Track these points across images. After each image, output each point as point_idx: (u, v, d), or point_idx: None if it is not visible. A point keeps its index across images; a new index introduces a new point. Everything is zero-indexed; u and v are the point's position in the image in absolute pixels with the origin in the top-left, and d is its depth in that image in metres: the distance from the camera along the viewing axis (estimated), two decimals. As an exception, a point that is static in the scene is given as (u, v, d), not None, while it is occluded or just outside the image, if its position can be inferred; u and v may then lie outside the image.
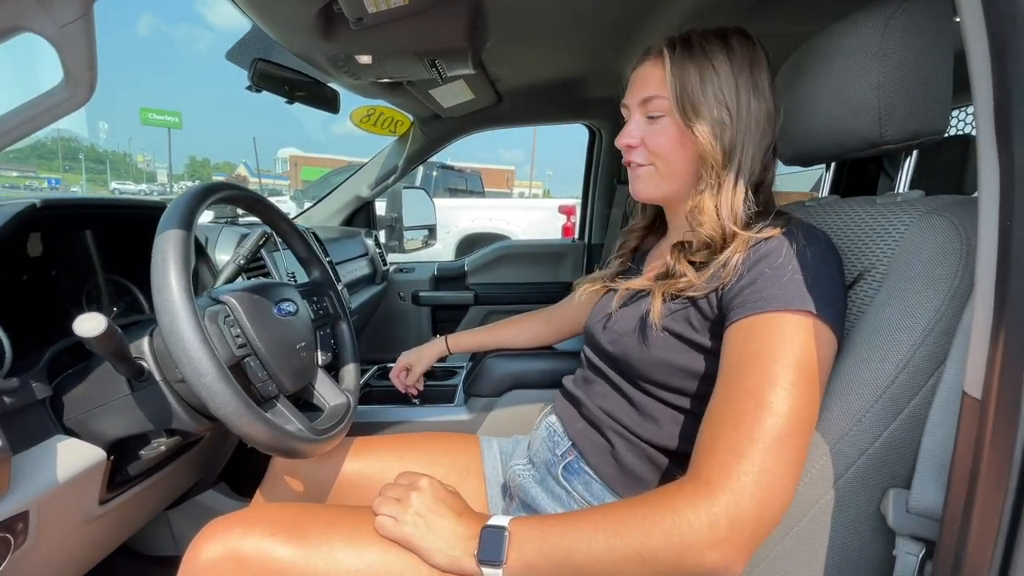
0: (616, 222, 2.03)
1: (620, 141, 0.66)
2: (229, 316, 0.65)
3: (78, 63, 0.46)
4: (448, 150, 2.07)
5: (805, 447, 0.49)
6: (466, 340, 1.10)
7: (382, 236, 2.15)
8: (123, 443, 0.68)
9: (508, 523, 0.55)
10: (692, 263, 0.61)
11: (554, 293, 2.10)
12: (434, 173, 6.49)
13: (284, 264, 1.21)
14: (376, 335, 2.11)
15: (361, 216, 2.13)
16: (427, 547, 0.55)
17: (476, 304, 2.15)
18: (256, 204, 0.80)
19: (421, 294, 2.14)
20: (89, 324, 0.53)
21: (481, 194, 7.90)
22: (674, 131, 0.62)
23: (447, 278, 2.20)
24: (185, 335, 0.54)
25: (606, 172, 2.05)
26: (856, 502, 0.49)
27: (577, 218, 2.41)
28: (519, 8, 1.10)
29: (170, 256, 0.56)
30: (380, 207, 2.22)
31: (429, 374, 1.16)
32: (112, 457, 0.68)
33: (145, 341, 0.65)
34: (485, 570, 0.53)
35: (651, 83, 0.63)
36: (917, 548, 0.46)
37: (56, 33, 0.44)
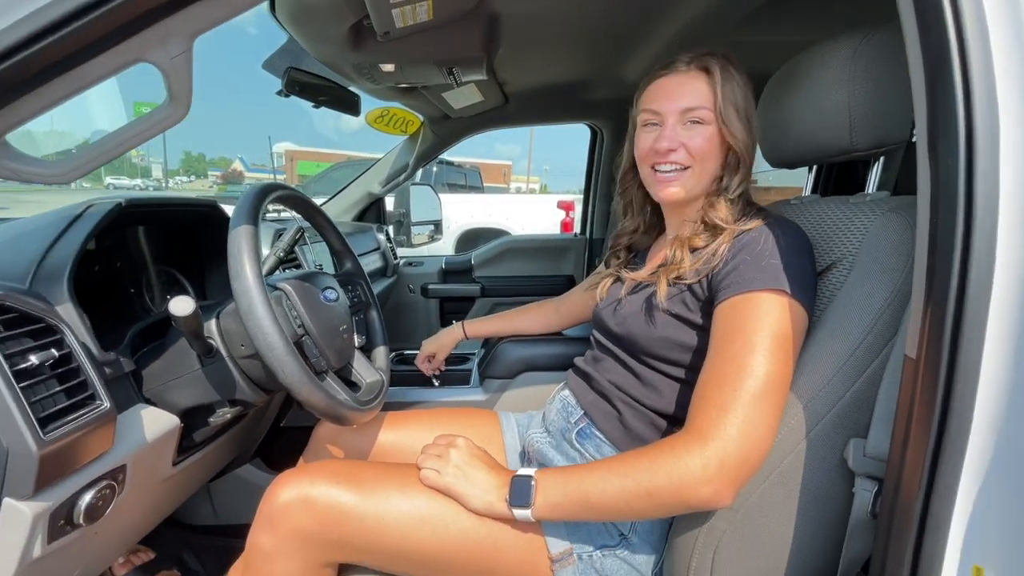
0: (617, 218, 2.12)
1: (661, 145, 0.72)
2: (288, 300, 0.75)
3: (181, 88, 0.55)
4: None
5: (781, 403, 0.59)
6: (481, 327, 1.20)
7: (391, 231, 2.24)
8: (192, 412, 0.78)
9: (534, 473, 0.65)
10: (693, 250, 0.71)
11: (557, 285, 2.20)
12: (434, 169, 6.55)
13: (312, 257, 1.30)
14: (388, 325, 2.21)
15: (371, 211, 2.22)
16: (466, 493, 0.65)
17: (482, 296, 2.25)
18: (301, 203, 0.89)
19: (430, 287, 2.23)
20: (182, 305, 0.62)
21: (480, 189, 7.97)
22: (715, 137, 0.71)
23: (454, 271, 2.30)
24: (261, 315, 0.64)
25: (607, 170, 2.14)
26: (824, 450, 0.59)
27: (578, 214, 2.50)
28: (530, 19, 1.19)
29: (244, 247, 0.66)
30: (388, 203, 2.31)
31: (446, 360, 1.26)
32: (183, 424, 0.77)
33: (213, 323, 0.75)
34: (516, 511, 0.63)
35: (693, 95, 0.71)
36: (871, 485, 0.56)
37: (167, 64, 0.53)
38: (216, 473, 1.16)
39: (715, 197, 0.72)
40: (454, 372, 1.33)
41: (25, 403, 0.52)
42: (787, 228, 0.66)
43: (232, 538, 1.15)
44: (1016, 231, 0.42)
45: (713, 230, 0.71)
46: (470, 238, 5.21)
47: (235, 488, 1.21)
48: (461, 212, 5.55)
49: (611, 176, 2.13)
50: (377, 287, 1.95)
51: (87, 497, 0.59)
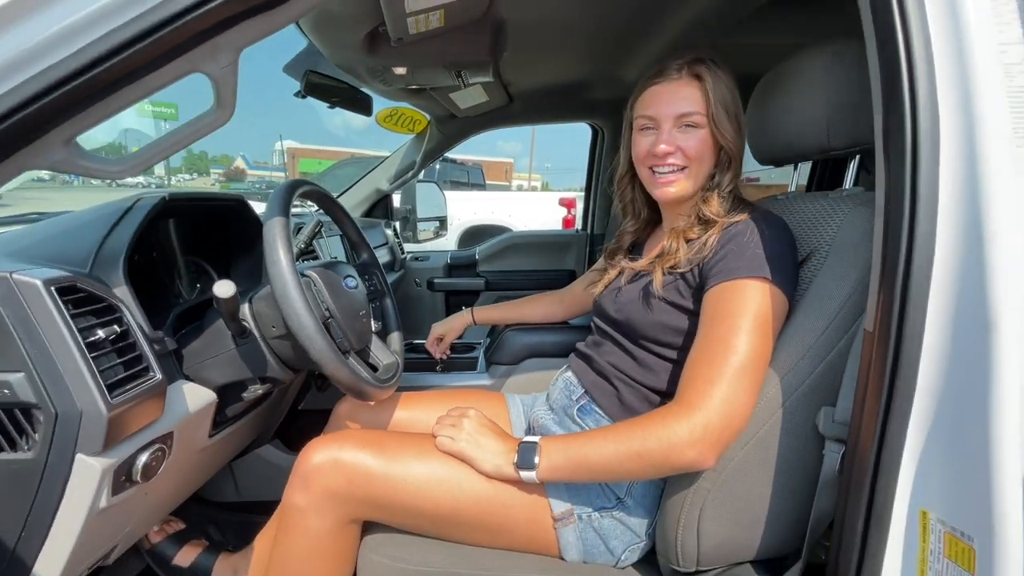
0: (617, 214, 2.19)
1: (659, 149, 0.78)
2: (315, 286, 0.82)
3: (227, 94, 0.62)
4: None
5: (760, 377, 0.66)
6: (489, 313, 1.27)
7: (398, 227, 2.32)
8: (226, 388, 0.85)
9: (539, 440, 0.72)
10: (688, 241, 0.78)
11: (559, 280, 2.27)
12: (437, 166, 6.62)
13: (328, 250, 1.37)
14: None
15: (379, 207, 2.29)
16: (477, 458, 0.72)
17: (487, 290, 2.32)
18: (323, 198, 0.97)
19: (436, 280, 2.31)
20: (224, 288, 0.70)
21: (482, 187, 8.04)
22: (709, 139, 0.78)
23: (459, 266, 2.37)
24: (294, 298, 0.71)
25: (608, 167, 2.21)
26: (798, 417, 0.66)
27: (579, 211, 2.57)
28: (535, 24, 1.26)
29: (278, 238, 0.73)
30: (395, 199, 2.38)
31: (451, 348, 1.34)
32: (218, 400, 0.85)
33: (246, 306, 0.82)
34: (522, 473, 0.70)
35: (687, 101, 0.77)
36: (838, 448, 0.63)
37: (217, 73, 0.60)
38: (239, 452, 1.24)
39: (708, 192, 0.79)
40: (462, 359, 1.40)
41: (96, 371, 0.59)
42: (771, 221, 0.73)
43: (253, 514, 1.23)
44: (953, 225, 0.49)
45: (705, 223, 0.78)
46: (472, 235, 5.27)
47: (256, 467, 1.28)
48: (463, 209, 5.61)
49: (611, 174, 2.21)
50: (385, 280, 2.03)
51: (143, 457, 0.67)
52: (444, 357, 1.29)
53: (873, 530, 0.54)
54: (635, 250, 0.98)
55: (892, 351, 0.51)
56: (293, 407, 1.32)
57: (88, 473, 0.60)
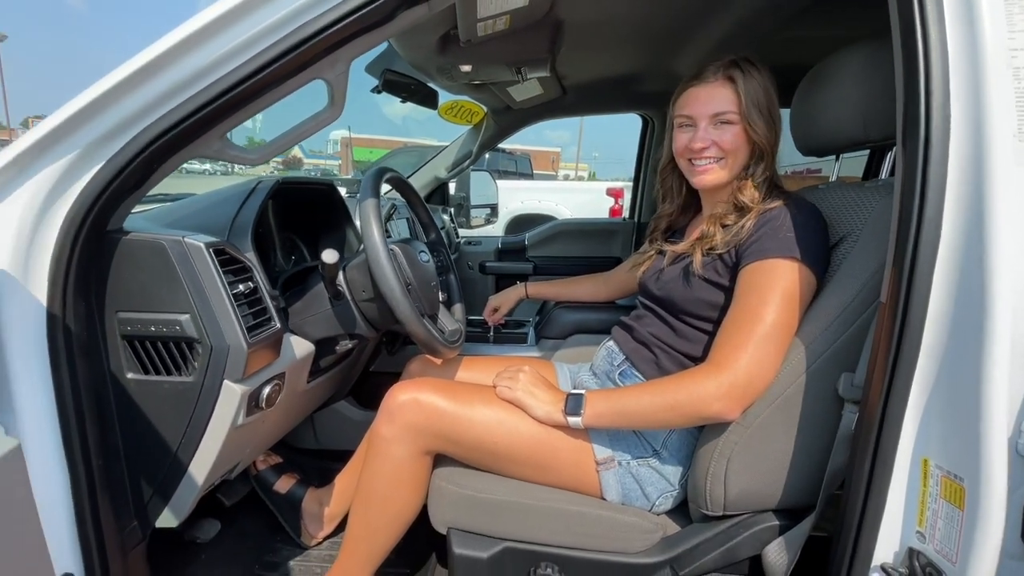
0: (656, 198, 2.25)
1: (696, 145, 0.87)
2: (398, 258, 0.97)
3: (339, 96, 0.76)
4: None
5: (784, 346, 0.75)
6: (540, 288, 1.39)
7: (452, 212, 2.47)
8: (322, 342, 1.01)
9: (585, 392, 0.84)
10: (724, 226, 0.86)
11: (605, 267, 2.33)
12: (486, 156, 6.75)
13: (397, 230, 1.53)
14: (448, 299, 2.45)
15: (436, 195, 2.45)
16: (531, 405, 0.85)
17: (535, 274, 2.43)
18: (402, 184, 1.11)
19: (487, 264, 2.45)
20: (331, 255, 0.85)
21: (530, 176, 8.12)
22: (742, 134, 0.86)
23: (510, 251, 2.50)
24: (385, 266, 0.85)
25: (655, 157, 2.27)
26: (821, 382, 0.74)
27: (627, 200, 2.63)
28: (592, 23, 1.35)
29: (372, 216, 0.88)
30: (450, 187, 2.53)
31: (503, 325, 1.47)
32: (314, 351, 1.01)
33: (340, 273, 0.98)
34: (569, 419, 0.82)
35: (721, 101, 0.86)
36: (855, 409, 0.71)
37: (333, 79, 0.74)
38: (319, 406, 1.42)
39: (743, 181, 0.87)
40: (514, 333, 1.53)
41: (240, 316, 0.75)
42: (803, 207, 0.81)
43: (329, 461, 1.42)
44: (959, 209, 0.56)
45: (740, 210, 0.86)
46: (519, 223, 5.38)
47: (332, 420, 1.47)
48: (511, 198, 5.70)
49: (655, 163, 2.26)
50: (440, 262, 2.19)
51: (267, 389, 0.84)
52: (498, 325, 1.42)
53: (877, 477, 0.62)
54: (676, 235, 1.07)
55: (900, 319, 0.59)
56: (365, 368, 1.49)
57: (231, 396, 0.77)
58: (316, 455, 1.49)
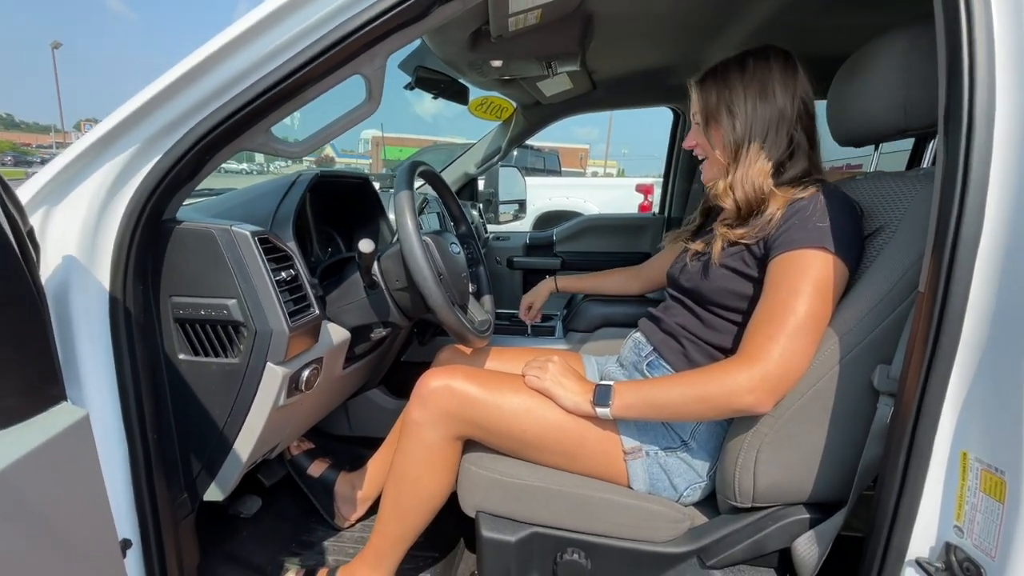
0: (696, 195, 2.22)
1: (685, 144, 0.95)
2: (430, 248, 0.99)
3: (376, 90, 0.79)
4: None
5: (817, 337, 0.74)
6: (571, 282, 1.40)
7: (482, 208, 2.49)
8: (357, 329, 1.05)
9: (613, 383, 0.84)
10: (728, 225, 0.87)
11: (633, 262, 2.33)
12: (514, 152, 6.76)
13: (427, 223, 1.57)
14: (476, 293, 2.48)
15: (465, 190, 2.48)
16: (560, 394, 0.86)
17: (563, 270, 2.44)
18: (433, 176, 1.14)
19: (515, 259, 2.46)
20: (367, 244, 0.88)
21: (558, 173, 8.10)
22: (714, 136, 0.89)
23: (538, 246, 2.51)
24: (419, 255, 0.88)
25: (688, 150, 2.24)
26: (855, 373, 0.73)
27: (657, 196, 2.60)
28: (622, 16, 1.34)
29: (406, 207, 0.91)
30: (479, 183, 2.55)
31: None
32: (350, 338, 1.05)
33: (375, 264, 1.01)
34: (598, 409, 0.83)
35: (694, 104, 0.91)
36: (891, 402, 0.70)
37: (371, 74, 0.77)
38: (353, 393, 1.47)
39: (717, 181, 0.90)
40: (543, 326, 1.55)
41: (282, 302, 0.79)
42: (833, 197, 0.79)
43: (361, 447, 1.46)
44: (1004, 197, 0.54)
45: (733, 205, 0.87)
46: (547, 220, 5.38)
47: (365, 407, 1.51)
48: (539, 195, 5.70)
49: (691, 156, 2.24)
50: (470, 257, 2.23)
51: (306, 372, 0.87)
52: (534, 322, 1.44)
53: (913, 470, 0.61)
54: (703, 231, 1.07)
55: (939, 308, 0.58)
56: (397, 358, 1.53)
57: (273, 377, 0.81)
58: (349, 441, 1.54)
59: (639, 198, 5.29)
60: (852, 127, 0.90)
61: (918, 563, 0.61)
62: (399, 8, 0.71)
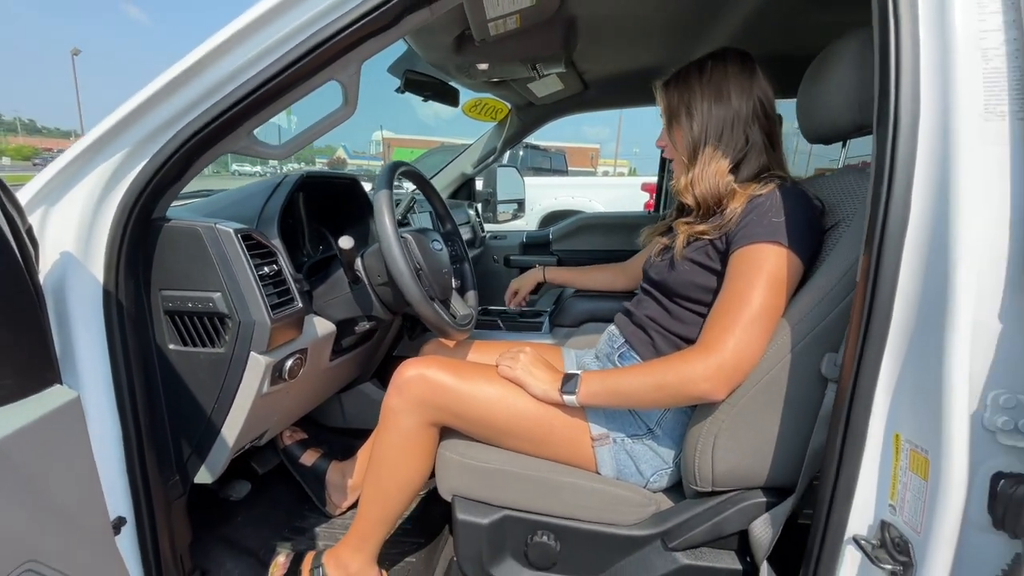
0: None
1: (656, 144, 0.98)
2: (410, 245, 1.04)
3: (352, 94, 0.83)
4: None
5: (770, 328, 0.77)
6: (558, 274, 1.44)
7: (479, 208, 2.54)
8: (343, 323, 1.10)
9: (580, 372, 0.88)
10: (688, 222, 0.91)
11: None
12: (520, 153, 6.81)
13: (418, 222, 1.61)
14: (474, 290, 2.52)
15: (463, 190, 2.53)
16: (530, 383, 0.90)
17: (559, 267, 2.48)
18: (417, 176, 1.18)
19: (511, 257, 2.50)
20: (347, 241, 0.93)
21: (564, 173, 8.12)
22: (676, 137, 0.93)
23: (534, 244, 2.54)
24: (395, 251, 0.93)
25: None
26: (805, 361, 0.76)
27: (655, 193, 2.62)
28: (603, 19, 1.38)
29: (384, 206, 0.95)
30: (478, 183, 2.60)
31: (521, 314, 1.53)
32: (336, 332, 1.10)
33: (359, 260, 1.06)
34: (565, 397, 0.87)
35: (660, 106, 0.95)
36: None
37: (346, 79, 0.82)
38: (346, 386, 1.52)
39: (678, 179, 0.94)
40: (530, 322, 1.59)
41: (264, 295, 0.84)
42: (790, 193, 0.82)
43: (354, 439, 1.51)
44: (926, 189, 0.57)
45: (693, 202, 0.92)
46: (551, 219, 5.41)
47: (358, 400, 1.57)
48: (544, 195, 5.75)
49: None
50: (466, 255, 2.27)
51: (289, 362, 0.93)
52: (522, 305, 1.47)
53: (849, 451, 0.64)
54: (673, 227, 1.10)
55: (871, 296, 0.61)
56: (388, 352, 1.58)
57: (257, 366, 0.87)
58: (343, 433, 1.60)
59: (645, 196, 5.30)
60: (816, 125, 0.93)
61: (855, 540, 0.64)
62: (369, 18, 0.75)
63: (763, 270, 0.78)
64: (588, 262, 2.49)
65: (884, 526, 0.63)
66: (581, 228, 2.53)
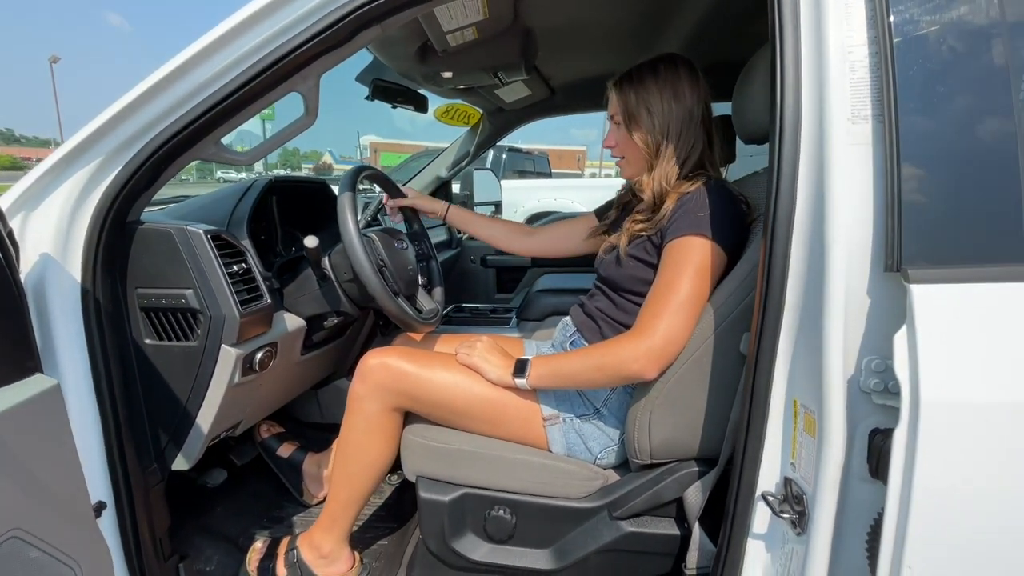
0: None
1: (604, 144, 1.03)
2: (375, 243, 1.11)
3: (312, 105, 0.90)
4: (519, 132, 2.44)
5: (697, 313, 0.85)
6: (462, 215, 1.37)
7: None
8: (313, 319, 1.17)
9: (531, 358, 0.96)
10: (636, 220, 0.98)
11: (600, 258, 2.45)
12: (503, 156, 6.89)
13: (387, 222, 1.68)
14: (451, 290, 2.58)
15: (440, 193, 2.59)
16: (485, 368, 0.97)
17: (532, 267, 2.55)
18: (382, 178, 1.25)
19: (488, 258, 2.58)
20: (312, 240, 1.00)
21: (548, 175, 8.22)
22: (627, 135, 0.99)
23: (510, 244, 2.62)
24: (357, 248, 0.99)
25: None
26: (727, 341, 0.84)
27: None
28: (560, 27, 1.46)
29: (347, 207, 1.02)
30: (455, 186, 2.67)
31: (492, 310, 1.60)
32: (307, 327, 1.16)
33: (326, 259, 1.13)
34: (516, 380, 0.94)
35: (611, 105, 1.00)
36: (754, 364, 0.81)
37: (306, 91, 0.88)
38: (322, 382, 1.58)
39: (642, 176, 1.00)
40: (500, 317, 1.66)
41: (233, 292, 0.91)
42: (714, 190, 0.91)
43: (330, 433, 1.57)
44: (807, 184, 0.66)
45: (649, 200, 0.98)
46: (536, 221, 5.50)
47: (334, 395, 1.63)
48: (527, 197, 5.83)
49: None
50: (443, 256, 2.33)
51: (259, 354, 0.99)
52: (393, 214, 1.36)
53: (755, 417, 0.72)
54: (617, 225, 1.17)
55: (767, 277, 0.69)
56: (363, 349, 1.64)
57: (228, 358, 0.93)
58: (320, 428, 1.65)
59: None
60: (746, 124, 1.02)
61: (764, 497, 0.72)
62: (325, 34, 0.82)
63: (690, 261, 0.86)
64: (563, 261, 2.59)
65: (787, 482, 0.71)
66: (555, 228, 2.60)
